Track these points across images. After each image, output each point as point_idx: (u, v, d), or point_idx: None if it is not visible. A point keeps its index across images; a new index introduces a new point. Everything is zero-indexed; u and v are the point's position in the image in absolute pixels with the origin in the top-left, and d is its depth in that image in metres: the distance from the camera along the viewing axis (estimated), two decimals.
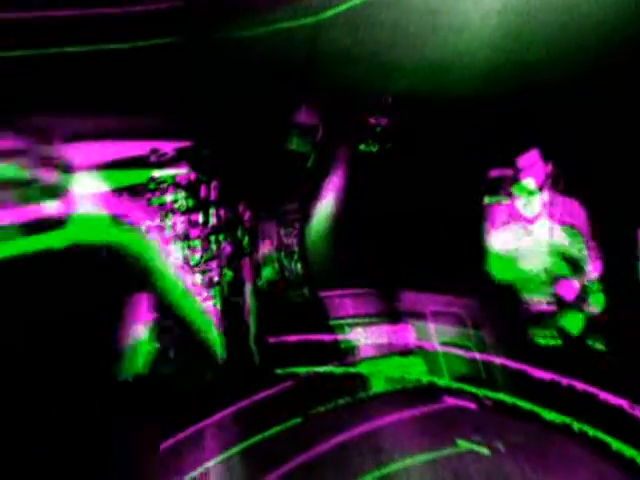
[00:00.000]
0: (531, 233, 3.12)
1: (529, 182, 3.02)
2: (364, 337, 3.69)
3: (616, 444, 2.42)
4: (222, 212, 3.88)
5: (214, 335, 1.40)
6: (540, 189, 3.01)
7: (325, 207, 4.16)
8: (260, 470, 2.63)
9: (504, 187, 4.13)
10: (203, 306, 1.27)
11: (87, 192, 1.29)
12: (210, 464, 2.70)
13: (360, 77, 3.37)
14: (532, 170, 3.02)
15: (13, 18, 2.13)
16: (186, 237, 3.60)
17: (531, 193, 3.03)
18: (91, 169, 2.51)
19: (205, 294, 3.41)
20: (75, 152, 2.50)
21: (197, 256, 3.59)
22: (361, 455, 2.70)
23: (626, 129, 3.38)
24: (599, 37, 2.85)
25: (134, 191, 3.25)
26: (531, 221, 3.11)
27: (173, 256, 3.45)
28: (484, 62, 3.13)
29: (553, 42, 2.93)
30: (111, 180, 3.02)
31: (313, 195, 4.15)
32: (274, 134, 3.83)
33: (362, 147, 4.23)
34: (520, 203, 3.13)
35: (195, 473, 2.64)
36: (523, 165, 3.04)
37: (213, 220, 3.83)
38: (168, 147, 3.55)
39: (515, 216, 3.19)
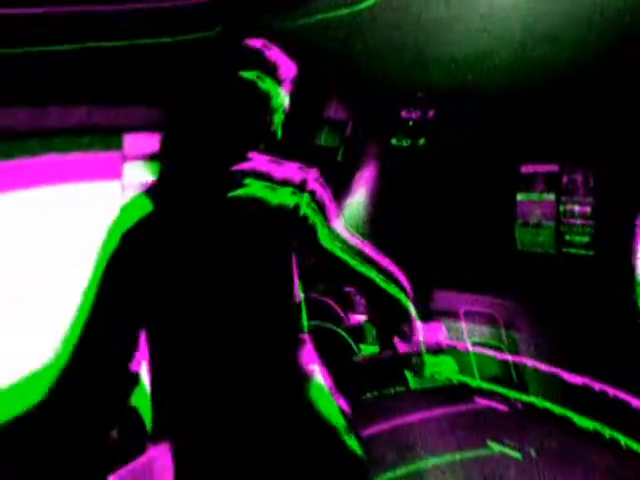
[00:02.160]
0: None
1: None
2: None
3: None
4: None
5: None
6: None
7: (356, 202, 4.14)
8: None
9: (536, 184, 4.09)
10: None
11: None
12: None
13: (392, 71, 3.33)
14: None
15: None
16: None
17: None
18: (148, 158, 2.57)
19: None
20: (136, 141, 2.57)
21: None
22: (389, 451, 2.71)
23: None
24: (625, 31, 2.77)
25: None
26: None
27: None
28: (519, 56, 3.07)
29: (581, 36, 2.85)
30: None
31: (343, 190, 4.13)
32: (303, 128, 3.82)
33: (394, 141, 4.19)
34: None
35: None
36: None
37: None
38: None
39: None
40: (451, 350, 3.55)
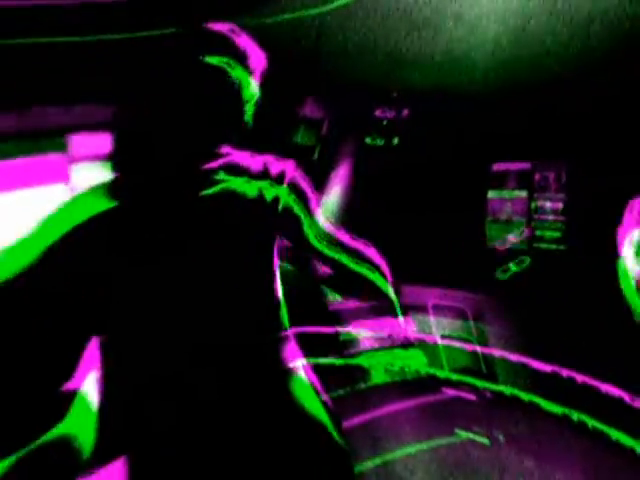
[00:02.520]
0: None
1: None
2: (364, 329, 3.69)
3: (615, 434, 2.42)
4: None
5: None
6: None
7: (330, 200, 4.16)
8: None
9: (508, 181, 4.15)
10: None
11: None
12: None
13: (367, 69, 3.36)
14: None
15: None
16: None
17: None
18: (97, 159, 2.52)
19: None
20: (83, 142, 2.53)
21: None
22: (360, 444, 2.71)
23: None
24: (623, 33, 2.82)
25: None
26: None
27: None
28: (495, 55, 3.12)
29: (573, 34, 2.90)
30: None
31: (318, 189, 4.15)
32: (279, 127, 3.83)
33: (368, 141, 4.22)
34: None
35: None
36: None
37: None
38: None
39: None
40: (420, 343, 3.57)
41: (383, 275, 1.31)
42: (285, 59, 3.16)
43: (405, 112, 4.12)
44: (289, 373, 1.15)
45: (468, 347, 3.38)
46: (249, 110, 1.19)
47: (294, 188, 1.20)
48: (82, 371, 1.07)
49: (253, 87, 1.20)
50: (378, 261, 1.32)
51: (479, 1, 2.56)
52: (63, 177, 2.44)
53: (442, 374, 3.33)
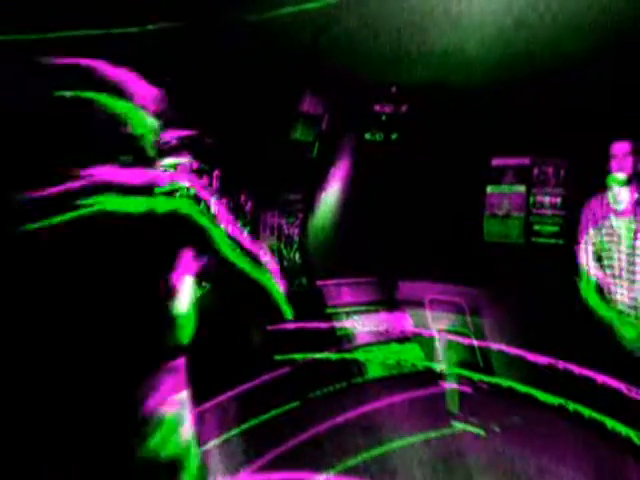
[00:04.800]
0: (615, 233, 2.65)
1: (620, 173, 2.56)
2: (361, 324, 3.69)
3: (611, 423, 2.41)
4: (224, 201, 3.89)
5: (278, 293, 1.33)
6: (629, 182, 2.55)
7: (328, 197, 4.16)
8: (258, 451, 2.65)
9: (507, 176, 4.14)
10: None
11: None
12: (209, 446, 2.72)
13: (366, 65, 3.36)
14: (624, 162, 2.56)
15: None
16: None
17: (621, 184, 2.56)
18: None
19: None
20: None
21: None
22: (357, 436, 2.71)
23: None
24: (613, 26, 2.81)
25: None
26: (619, 215, 2.63)
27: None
28: (491, 51, 3.11)
29: (563, 31, 2.90)
30: None
31: (317, 185, 4.15)
32: (278, 123, 3.83)
33: (367, 136, 4.22)
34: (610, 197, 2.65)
35: None
36: (616, 153, 2.60)
37: (214, 210, 3.83)
38: (170, 135, 3.56)
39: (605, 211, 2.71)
40: (417, 337, 3.57)
41: (274, 280, 1.31)
42: (284, 54, 3.17)
43: (404, 107, 4.12)
44: (150, 416, 1.12)
45: (465, 341, 3.38)
46: (144, 136, 1.23)
47: (196, 198, 1.22)
48: None
49: (142, 117, 1.24)
50: (272, 266, 1.32)
51: None
52: None
53: (438, 367, 3.33)
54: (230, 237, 1.22)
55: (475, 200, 4.10)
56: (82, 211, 1.08)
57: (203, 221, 1.17)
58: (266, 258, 1.31)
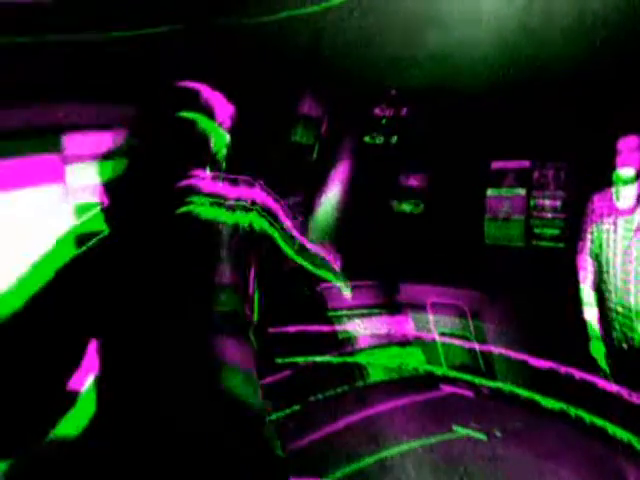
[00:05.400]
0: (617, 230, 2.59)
1: (626, 170, 2.49)
2: (363, 328, 3.70)
3: (612, 428, 2.41)
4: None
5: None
6: (635, 179, 2.48)
7: (329, 199, 4.16)
8: None
9: (507, 179, 4.15)
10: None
11: None
12: None
13: (366, 68, 3.36)
14: (631, 157, 2.50)
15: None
16: None
17: (626, 182, 2.51)
18: (91, 158, 2.52)
19: None
20: (77, 141, 2.52)
21: None
22: (358, 440, 2.71)
23: None
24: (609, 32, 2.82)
25: None
26: (622, 213, 2.57)
27: None
28: (490, 55, 3.12)
29: (563, 35, 2.91)
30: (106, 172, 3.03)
31: (316, 188, 4.15)
32: (278, 125, 3.84)
33: (367, 139, 4.22)
34: (614, 193, 2.60)
35: None
36: (622, 148, 2.52)
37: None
38: None
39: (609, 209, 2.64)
40: (418, 341, 3.57)
41: (339, 276, 1.53)
42: (284, 57, 3.18)
43: (404, 110, 4.13)
44: (226, 365, 1.21)
45: (466, 344, 3.38)
46: (220, 151, 1.39)
47: (264, 210, 1.33)
48: (83, 372, 1.17)
49: (221, 134, 1.39)
50: (336, 264, 1.52)
51: (479, 0, 2.57)
52: (59, 177, 2.44)
53: (440, 371, 3.33)
54: (295, 241, 1.37)
55: (475, 203, 4.10)
56: (188, 208, 1.22)
57: (272, 231, 1.32)
58: (329, 258, 1.49)
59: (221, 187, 1.31)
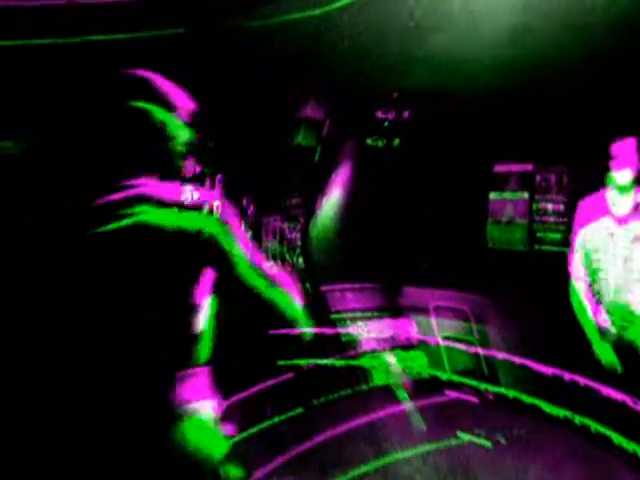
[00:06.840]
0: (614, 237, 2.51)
1: (622, 175, 2.42)
2: (366, 331, 3.69)
3: (617, 438, 2.41)
4: (226, 205, 3.87)
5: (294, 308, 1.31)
6: (632, 186, 2.42)
7: (330, 202, 4.15)
8: (262, 458, 2.64)
9: (510, 183, 4.15)
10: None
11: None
12: None
13: (368, 70, 3.35)
14: (626, 161, 2.41)
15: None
16: None
17: (623, 189, 2.44)
18: None
19: None
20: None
21: None
22: (361, 445, 2.70)
23: None
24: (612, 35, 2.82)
25: None
26: (620, 221, 2.49)
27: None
28: (494, 57, 3.11)
29: (564, 39, 2.90)
30: None
31: (318, 190, 4.15)
32: (280, 128, 3.83)
33: (369, 142, 4.21)
34: (609, 198, 2.52)
35: None
36: (617, 153, 2.43)
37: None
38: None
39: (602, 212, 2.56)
40: (421, 345, 3.56)
41: (293, 298, 1.31)
42: (287, 59, 3.17)
43: (406, 113, 4.12)
44: (179, 414, 1.15)
45: (470, 349, 3.37)
46: (178, 147, 1.25)
47: (221, 218, 1.22)
48: None
49: (181, 128, 1.25)
50: (289, 286, 1.31)
51: (480, 2, 2.56)
52: None
53: (443, 376, 3.32)
54: (248, 257, 1.23)
55: (478, 206, 4.10)
56: (124, 222, 1.12)
57: (226, 241, 1.19)
58: (273, 272, 1.29)
59: (173, 191, 1.20)
